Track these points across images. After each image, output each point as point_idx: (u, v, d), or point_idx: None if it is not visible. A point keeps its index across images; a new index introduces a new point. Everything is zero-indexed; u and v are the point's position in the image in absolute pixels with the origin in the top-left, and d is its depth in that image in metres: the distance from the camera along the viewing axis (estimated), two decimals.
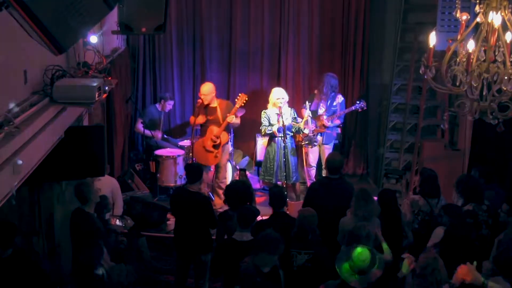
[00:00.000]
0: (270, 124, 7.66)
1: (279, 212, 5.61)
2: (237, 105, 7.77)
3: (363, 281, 4.22)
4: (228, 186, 5.96)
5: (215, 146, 7.80)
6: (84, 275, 4.55)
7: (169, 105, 8.74)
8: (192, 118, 8.00)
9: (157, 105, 8.80)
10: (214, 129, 7.81)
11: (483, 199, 5.46)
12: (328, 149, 8.05)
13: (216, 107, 7.86)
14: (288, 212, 6.38)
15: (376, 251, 4.49)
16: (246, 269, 4.48)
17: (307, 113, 7.75)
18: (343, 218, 5.43)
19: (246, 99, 7.77)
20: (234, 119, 7.72)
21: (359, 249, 4.26)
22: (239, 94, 7.90)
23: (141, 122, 8.61)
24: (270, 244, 4.44)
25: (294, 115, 7.78)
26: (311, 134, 7.77)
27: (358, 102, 7.94)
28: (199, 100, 7.80)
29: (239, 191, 5.65)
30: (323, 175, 8.04)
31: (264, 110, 7.78)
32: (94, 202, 5.45)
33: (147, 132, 8.53)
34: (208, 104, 7.83)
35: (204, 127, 7.92)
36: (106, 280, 4.62)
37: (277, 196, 5.62)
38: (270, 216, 5.66)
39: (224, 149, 7.98)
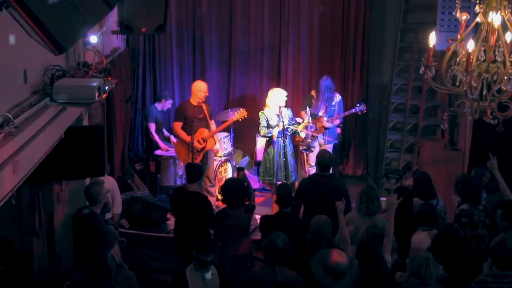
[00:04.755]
0: (269, 126, 7.61)
1: (285, 211, 5.58)
2: (234, 118, 7.73)
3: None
4: (224, 184, 5.93)
5: (199, 150, 7.76)
6: (96, 263, 4.43)
7: (168, 104, 8.72)
8: (177, 124, 7.75)
9: (156, 104, 8.77)
10: (204, 132, 7.71)
11: (479, 199, 5.46)
12: (329, 148, 8.06)
13: (201, 106, 7.74)
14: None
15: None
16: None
17: (307, 118, 7.72)
18: (349, 214, 5.47)
19: (246, 115, 7.74)
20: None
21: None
22: (240, 109, 7.86)
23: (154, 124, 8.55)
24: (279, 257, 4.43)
25: (291, 115, 7.76)
26: (309, 140, 7.73)
27: (358, 105, 7.90)
28: (200, 100, 7.71)
29: (236, 189, 5.65)
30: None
31: (261, 111, 7.71)
32: (102, 204, 5.48)
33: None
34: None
35: (193, 126, 7.64)
36: (113, 276, 4.51)
37: (283, 195, 5.59)
38: (276, 214, 5.69)
39: (209, 158, 7.89)
